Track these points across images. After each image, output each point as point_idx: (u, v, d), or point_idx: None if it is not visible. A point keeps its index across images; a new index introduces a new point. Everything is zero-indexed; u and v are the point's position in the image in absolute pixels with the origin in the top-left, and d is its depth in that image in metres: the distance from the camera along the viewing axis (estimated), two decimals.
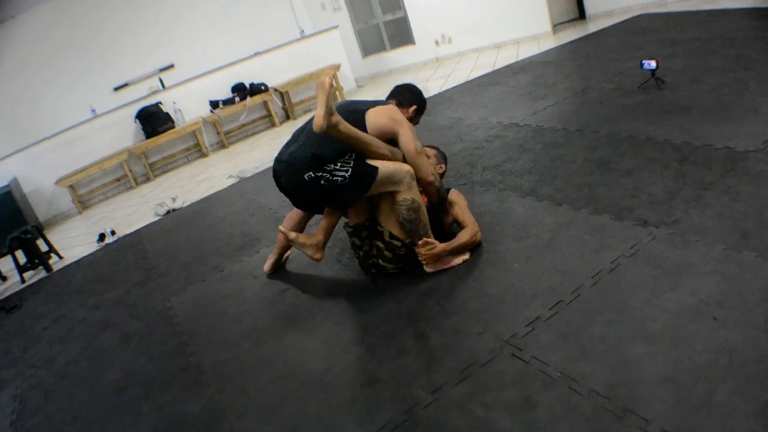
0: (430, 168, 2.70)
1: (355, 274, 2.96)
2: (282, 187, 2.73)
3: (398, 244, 2.67)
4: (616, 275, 2.28)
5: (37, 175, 6.88)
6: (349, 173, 2.52)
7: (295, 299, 2.91)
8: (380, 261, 2.75)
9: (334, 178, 2.51)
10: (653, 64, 4.28)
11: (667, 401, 1.65)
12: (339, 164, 2.52)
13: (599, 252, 2.46)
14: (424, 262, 2.69)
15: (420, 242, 2.61)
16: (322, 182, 2.51)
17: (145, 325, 3.20)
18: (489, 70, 7.02)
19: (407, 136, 2.63)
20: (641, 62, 4.38)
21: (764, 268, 2.07)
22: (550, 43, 7.48)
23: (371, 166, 2.54)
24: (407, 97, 2.92)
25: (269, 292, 3.10)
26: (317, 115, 2.35)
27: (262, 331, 2.73)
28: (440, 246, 2.65)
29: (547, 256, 2.55)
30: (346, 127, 2.44)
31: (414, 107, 2.91)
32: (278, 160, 2.69)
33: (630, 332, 1.95)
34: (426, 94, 3.12)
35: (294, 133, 2.75)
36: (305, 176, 2.52)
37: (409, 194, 2.56)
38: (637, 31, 6.45)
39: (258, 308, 2.97)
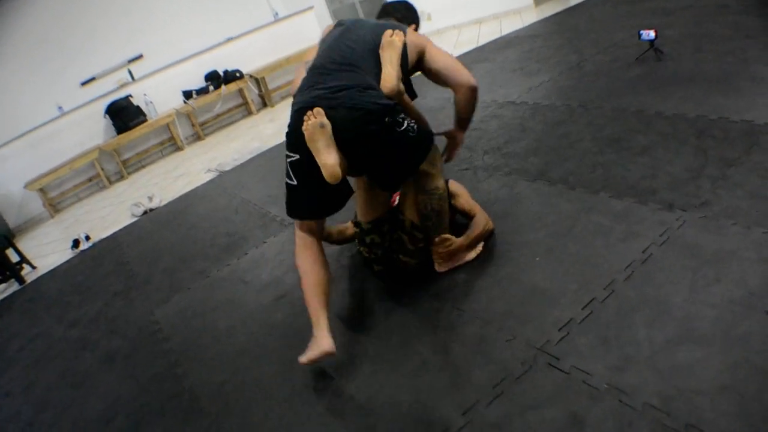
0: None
1: (356, 277, 2.72)
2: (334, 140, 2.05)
3: (420, 235, 2.40)
4: (650, 266, 2.07)
5: (4, 179, 6.50)
6: (414, 124, 2.19)
7: (293, 308, 2.64)
8: (401, 256, 2.43)
9: (410, 125, 2.16)
10: (652, 34, 4.06)
11: (731, 413, 1.45)
12: (403, 113, 2.19)
13: (627, 241, 2.25)
14: (438, 262, 2.43)
15: (437, 239, 2.35)
16: (397, 128, 2.11)
17: (129, 343, 2.92)
18: (473, 46, 6.76)
19: (434, 47, 2.36)
20: (639, 32, 4.16)
21: None
22: (532, 16, 7.23)
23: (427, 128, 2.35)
24: (404, 14, 2.58)
25: (263, 300, 2.83)
26: (389, 77, 2.12)
27: (259, 346, 2.48)
28: (458, 241, 2.39)
29: (570, 248, 2.32)
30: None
31: (413, 26, 2.56)
32: (332, 107, 2.01)
33: (677, 333, 1.75)
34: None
35: (313, 78, 2.15)
36: (385, 119, 2.07)
37: (440, 182, 2.34)
38: (623, 0, 6.23)
39: (252, 319, 2.71)
